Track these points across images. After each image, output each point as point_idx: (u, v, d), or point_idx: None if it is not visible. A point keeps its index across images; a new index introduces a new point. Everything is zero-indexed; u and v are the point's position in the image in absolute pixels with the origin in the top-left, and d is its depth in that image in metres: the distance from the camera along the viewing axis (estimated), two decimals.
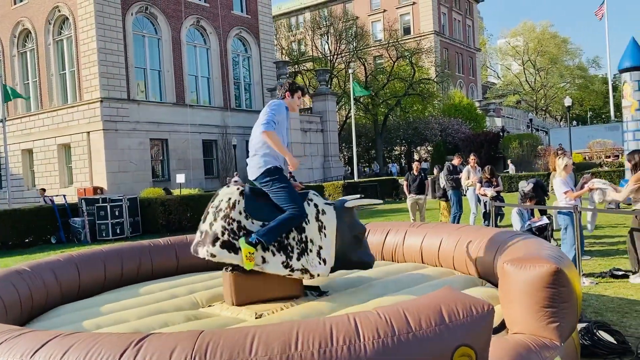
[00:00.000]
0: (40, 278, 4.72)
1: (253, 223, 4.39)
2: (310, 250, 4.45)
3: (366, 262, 4.78)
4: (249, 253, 4.21)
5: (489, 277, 4.97)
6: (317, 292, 4.75)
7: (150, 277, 5.83)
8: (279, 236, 4.36)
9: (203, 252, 4.36)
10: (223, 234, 4.30)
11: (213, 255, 4.31)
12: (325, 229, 4.48)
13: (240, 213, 4.37)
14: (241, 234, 4.31)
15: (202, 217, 4.54)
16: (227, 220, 4.33)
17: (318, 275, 4.47)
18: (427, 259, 5.82)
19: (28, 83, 29.31)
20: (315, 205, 4.54)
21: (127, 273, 5.65)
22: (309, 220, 4.47)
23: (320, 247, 4.46)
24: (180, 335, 2.50)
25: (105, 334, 2.60)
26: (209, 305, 4.66)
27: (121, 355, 2.37)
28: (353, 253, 4.67)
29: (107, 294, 5.15)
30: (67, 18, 26.69)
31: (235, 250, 4.28)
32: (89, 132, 25.75)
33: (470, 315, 2.63)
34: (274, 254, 4.35)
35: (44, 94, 28.24)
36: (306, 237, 4.45)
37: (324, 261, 4.46)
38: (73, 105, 26.52)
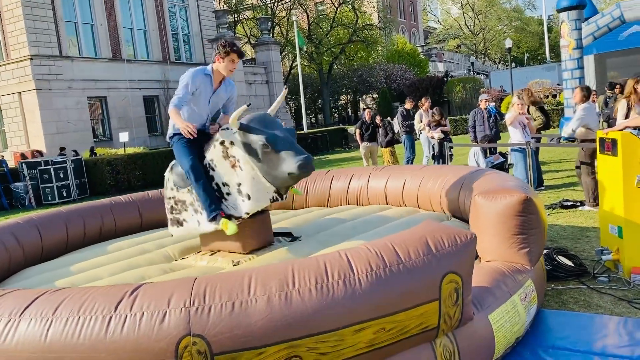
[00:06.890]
0: (0, 241, 4.53)
1: None
2: (228, 194, 4.20)
3: None
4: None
5: (453, 212, 5.15)
6: (290, 237, 4.80)
7: (114, 235, 5.71)
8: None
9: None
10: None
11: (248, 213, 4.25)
12: (239, 161, 4.07)
13: None
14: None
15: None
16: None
17: (247, 214, 4.16)
18: (391, 200, 5.95)
19: None
20: (222, 143, 4.14)
21: (90, 232, 5.50)
22: (215, 165, 4.21)
23: (239, 184, 4.13)
24: (174, 283, 2.48)
25: (95, 287, 2.54)
26: (182, 258, 4.63)
27: (117, 306, 2.33)
28: None
29: (74, 254, 5.01)
30: None
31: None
32: (20, 93, 24.23)
33: (454, 244, 2.73)
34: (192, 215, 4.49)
35: None
36: (216, 184, 4.25)
37: (247, 196, 4.10)
38: (0, 64, 24.80)
